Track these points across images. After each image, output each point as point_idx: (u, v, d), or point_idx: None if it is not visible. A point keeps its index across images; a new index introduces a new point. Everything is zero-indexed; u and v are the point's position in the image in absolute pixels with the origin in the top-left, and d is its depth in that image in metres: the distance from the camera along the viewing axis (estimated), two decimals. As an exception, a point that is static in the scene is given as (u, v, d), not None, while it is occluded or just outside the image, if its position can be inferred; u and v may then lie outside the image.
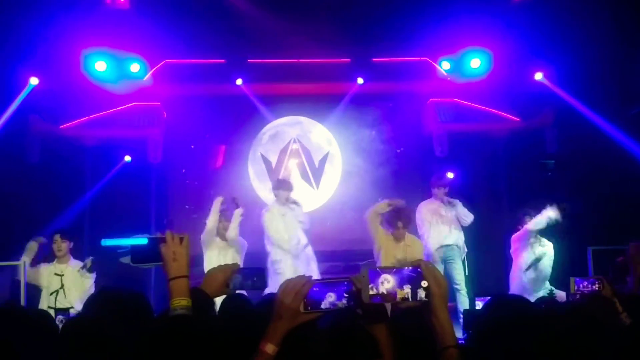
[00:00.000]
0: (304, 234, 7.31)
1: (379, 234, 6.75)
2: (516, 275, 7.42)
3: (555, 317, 2.60)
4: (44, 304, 6.55)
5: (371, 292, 1.82)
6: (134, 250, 2.15)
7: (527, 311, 2.28)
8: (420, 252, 7.03)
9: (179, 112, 9.18)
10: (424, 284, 1.84)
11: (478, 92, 9.05)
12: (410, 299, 1.84)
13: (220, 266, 2.24)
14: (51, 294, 6.63)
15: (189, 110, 9.14)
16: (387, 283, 1.83)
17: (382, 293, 1.82)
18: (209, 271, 2.21)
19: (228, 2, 8.30)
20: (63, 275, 6.71)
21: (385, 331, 1.93)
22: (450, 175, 8.57)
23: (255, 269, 2.26)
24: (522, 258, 7.36)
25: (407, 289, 1.84)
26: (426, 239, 7.51)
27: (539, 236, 7.33)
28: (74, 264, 6.84)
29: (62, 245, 6.78)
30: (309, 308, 1.86)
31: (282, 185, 7.42)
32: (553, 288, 7.12)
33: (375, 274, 1.83)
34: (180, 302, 2.03)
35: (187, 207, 9.27)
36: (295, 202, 7.38)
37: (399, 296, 1.83)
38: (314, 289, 1.87)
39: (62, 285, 6.67)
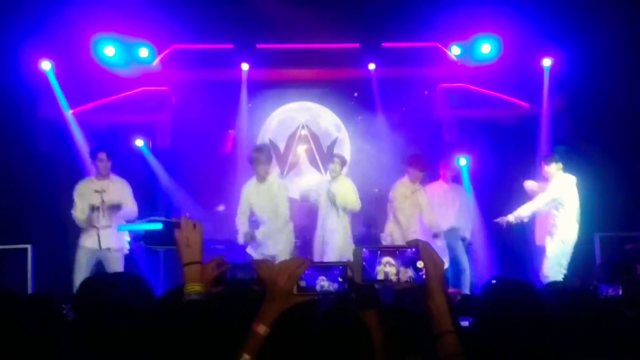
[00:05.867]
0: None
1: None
2: None
3: (559, 304, 2.58)
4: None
5: (368, 274, 1.78)
6: (148, 232, 2.16)
7: (529, 296, 2.27)
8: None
9: (188, 97, 9.15)
10: (420, 264, 1.78)
11: (488, 78, 8.97)
12: (407, 281, 1.78)
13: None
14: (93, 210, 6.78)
15: (197, 96, 9.11)
16: (389, 266, 1.78)
17: (380, 277, 1.78)
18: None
19: (236, -13, 8.27)
20: (104, 191, 6.85)
21: (376, 318, 1.89)
22: (463, 161, 8.60)
23: (244, 264, 2.25)
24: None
25: (403, 270, 1.79)
26: (432, 220, 7.50)
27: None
28: (115, 179, 7.02)
29: (108, 164, 6.95)
30: (302, 290, 1.85)
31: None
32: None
33: (374, 254, 1.79)
34: (194, 287, 2.06)
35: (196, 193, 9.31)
36: None
37: (393, 277, 1.78)
38: (307, 272, 1.86)
39: (103, 201, 6.80)
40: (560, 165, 7.20)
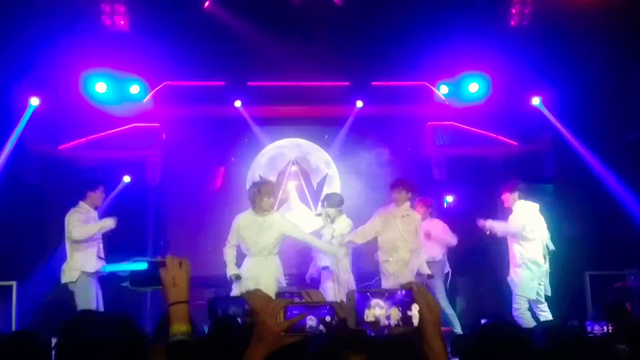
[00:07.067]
0: None
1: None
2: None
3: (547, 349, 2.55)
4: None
5: (358, 318, 1.73)
6: (133, 273, 2.12)
7: (517, 339, 2.25)
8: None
9: (178, 133, 9.18)
10: (415, 307, 1.73)
11: (476, 116, 9.07)
12: (401, 325, 1.73)
13: None
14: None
15: (188, 132, 9.15)
16: (378, 308, 1.73)
17: (371, 320, 1.73)
18: None
19: (227, 25, 8.36)
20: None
21: None
22: (449, 198, 8.62)
23: (235, 298, 2.22)
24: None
25: (397, 315, 1.73)
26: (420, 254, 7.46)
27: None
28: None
29: (103, 196, 7.05)
30: (291, 331, 1.82)
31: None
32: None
33: (364, 297, 1.73)
34: (180, 327, 1.99)
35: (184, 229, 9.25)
36: None
37: (383, 320, 1.73)
38: (294, 312, 1.83)
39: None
40: (516, 195, 7.11)
